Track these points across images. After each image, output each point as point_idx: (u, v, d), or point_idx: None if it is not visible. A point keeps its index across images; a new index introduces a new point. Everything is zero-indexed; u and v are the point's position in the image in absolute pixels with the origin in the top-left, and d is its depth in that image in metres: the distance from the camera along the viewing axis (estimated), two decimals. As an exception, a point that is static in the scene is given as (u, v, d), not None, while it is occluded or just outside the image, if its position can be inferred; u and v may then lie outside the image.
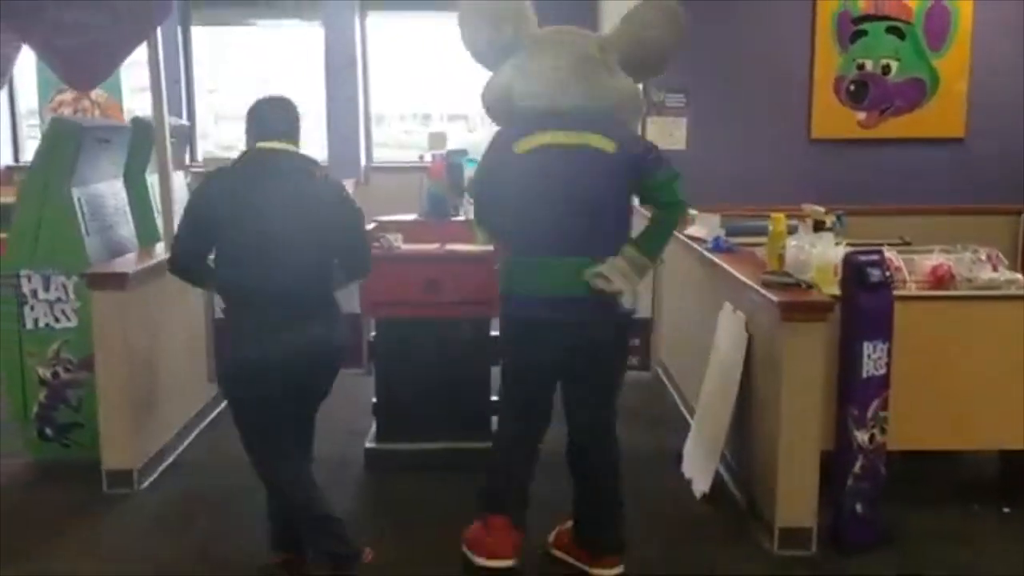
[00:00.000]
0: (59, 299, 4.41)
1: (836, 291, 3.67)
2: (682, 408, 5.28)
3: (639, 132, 3.68)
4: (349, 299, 4.66)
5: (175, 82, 9.60)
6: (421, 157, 5.51)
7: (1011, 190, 6.44)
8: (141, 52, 4.66)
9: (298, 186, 3.18)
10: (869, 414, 3.55)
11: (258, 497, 3.96)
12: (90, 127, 4.70)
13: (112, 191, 4.87)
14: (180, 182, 5.71)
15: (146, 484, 4.28)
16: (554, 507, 3.70)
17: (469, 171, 4.82)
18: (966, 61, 6.42)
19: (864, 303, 3.52)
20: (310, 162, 3.32)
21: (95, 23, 4.35)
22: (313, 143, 10.32)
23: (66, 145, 4.41)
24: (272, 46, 10.64)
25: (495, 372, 4.62)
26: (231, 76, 10.53)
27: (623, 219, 3.40)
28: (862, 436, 3.56)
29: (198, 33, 10.54)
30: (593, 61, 3.32)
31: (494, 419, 4.67)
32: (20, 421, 4.52)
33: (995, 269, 4.05)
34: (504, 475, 3.51)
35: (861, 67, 6.47)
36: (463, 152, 4.95)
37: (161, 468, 4.45)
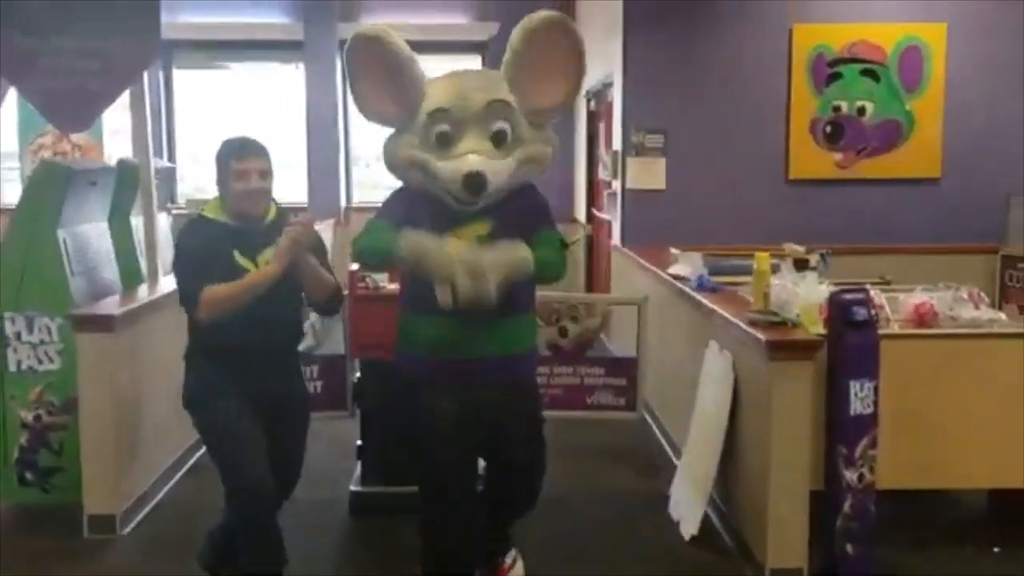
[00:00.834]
0: (43, 341, 4.36)
1: (821, 330, 3.70)
2: (668, 449, 5.28)
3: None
4: (334, 341, 4.67)
5: (156, 124, 9.63)
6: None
7: (987, 229, 6.55)
8: (122, 97, 4.70)
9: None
10: (858, 453, 3.57)
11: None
12: (79, 169, 4.69)
13: (97, 232, 4.85)
14: (163, 224, 5.70)
15: (128, 529, 4.22)
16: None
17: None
18: (940, 102, 6.55)
19: (850, 342, 3.55)
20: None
21: (86, 69, 4.40)
22: (293, 184, 10.37)
23: (54, 187, 4.41)
24: (252, 88, 10.69)
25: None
26: (211, 118, 10.55)
27: None
28: (851, 475, 3.57)
29: (179, 76, 10.59)
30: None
31: (480, 461, 4.68)
32: None
33: (977, 307, 4.10)
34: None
35: (837, 109, 6.57)
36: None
37: (144, 512, 4.40)
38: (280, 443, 3.38)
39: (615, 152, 7.07)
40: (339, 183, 10.32)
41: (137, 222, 5.11)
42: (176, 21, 8.77)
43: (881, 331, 3.69)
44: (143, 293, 4.75)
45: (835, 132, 6.61)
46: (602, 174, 8.27)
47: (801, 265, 4.64)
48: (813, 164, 6.63)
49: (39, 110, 4.58)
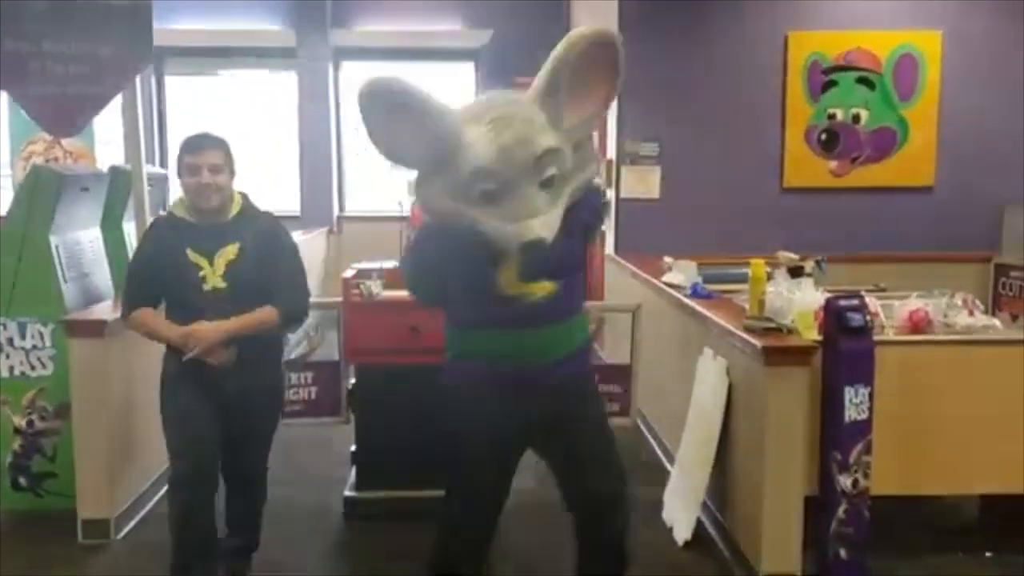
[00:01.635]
0: (35, 347, 4.35)
1: (817, 336, 3.70)
2: (661, 455, 5.28)
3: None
4: (329, 346, 4.66)
5: (148, 130, 9.63)
6: (400, 204, 5.52)
7: (980, 237, 6.58)
8: (114, 103, 4.70)
9: None
10: (852, 459, 3.57)
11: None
12: (71, 175, 4.68)
13: (89, 238, 4.85)
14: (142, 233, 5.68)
15: (123, 534, 4.21)
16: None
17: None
18: (934, 110, 6.58)
19: (846, 348, 3.55)
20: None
21: (77, 74, 4.40)
22: (286, 192, 10.37)
23: (46, 193, 4.40)
24: (244, 96, 10.68)
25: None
26: (203, 126, 10.55)
27: None
28: (845, 481, 3.58)
29: (171, 83, 10.58)
30: None
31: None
32: (-8, 472, 4.44)
33: (971, 314, 4.12)
34: None
35: (832, 117, 6.60)
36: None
37: (138, 517, 4.38)
38: (242, 433, 3.46)
39: (609, 161, 7.08)
40: (332, 191, 10.32)
41: (129, 228, 5.10)
42: (168, 27, 8.77)
43: (876, 337, 3.69)
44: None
45: (830, 140, 6.64)
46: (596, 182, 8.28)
47: (796, 272, 4.64)
48: (808, 172, 6.66)
49: (30, 115, 4.57)
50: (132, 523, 4.32)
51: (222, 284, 3.30)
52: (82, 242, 4.74)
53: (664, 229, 6.57)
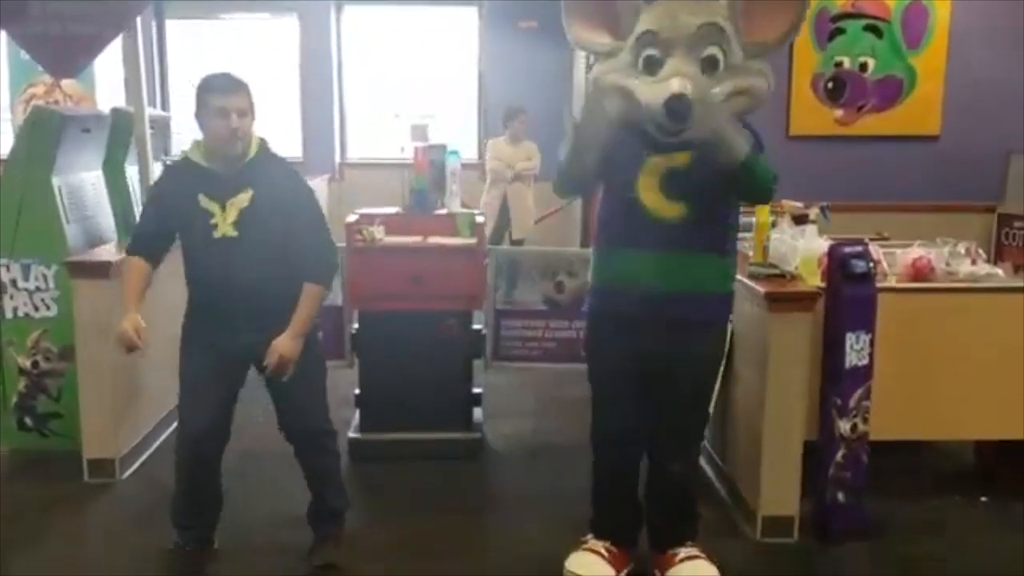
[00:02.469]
0: (39, 288, 4.36)
1: (820, 283, 3.71)
2: (662, 401, 5.31)
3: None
4: (332, 292, 4.67)
5: (149, 74, 9.55)
6: (402, 149, 5.50)
7: (984, 187, 6.54)
8: (115, 47, 4.66)
9: None
10: (852, 404, 3.59)
11: (239, 484, 3.98)
12: (72, 116, 4.65)
13: (92, 180, 4.83)
14: (159, 173, 5.66)
15: (128, 473, 4.26)
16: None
17: (452, 165, 4.84)
18: (942, 60, 6.51)
19: (848, 294, 3.56)
20: None
21: (79, 14, 4.36)
22: (288, 139, 10.32)
23: (47, 134, 4.38)
24: (246, 41, 10.59)
25: (477, 364, 4.67)
26: (204, 71, 10.48)
27: None
28: (844, 426, 3.61)
29: (172, 27, 10.47)
30: None
31: (476, 410, 4.72)
32: (-1, 411, 4.47)
33: (974, 262, 4.11)
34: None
35: (839, 65, 6.53)
36: (443, 147, 4.94)
37: (143, 457, 4.43)
38: (280, 393, 3.38)
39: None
40: (334, 138, 10.27)
41: (132, 171, 5.08)
42: (170, -31, 8.69)
43: (878, 284, 3.70)
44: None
45: (836, 88, 6.57)
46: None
47: (800, 220, 4.63)
48: (814, 120, 6.60)
49: (30, 55, 4.54)
50: (137, 463, 4.37)
51: (233, 232, 3.18)
52: (85, 184, 4.73)
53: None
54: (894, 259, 4.15)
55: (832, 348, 3.59)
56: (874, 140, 6.61)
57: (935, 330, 3.82)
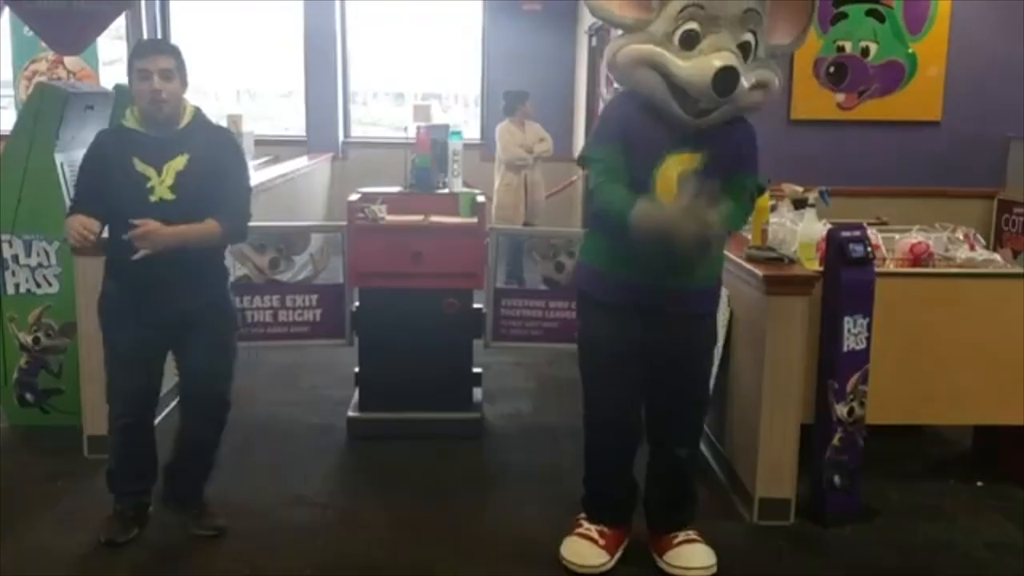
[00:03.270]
0: (41, 264, 4.38)
1: (818, 267, 3.72)
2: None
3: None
4: (333, 270, 4.69)
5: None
6: (405, 129, 5.52)
7: (985, 174, 6.54)
8: (119, 23, 4.67)
9: None
10: (849, 388, 3.61)
11: (239, 462, 4.01)
12: (76, 93, 4.66)
13: (94, 158, 4.83)
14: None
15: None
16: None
17: (455, 145, 4.85)
18: (944, 45, 6.49)
19: (846, 278, 3.57)
20: None
21: (82, -10, 4.37)
22: (292, 117, 10.32)
23: (51, 110, 4.39)
24: (250, 20, 10.58)
25: (477, 344, 4.68)
26: (208, 50, 10.47)
27: None
28: (841, 409, 3.63)
29: (176, 6, 10.46)
30: None
31: (476, 390, 4.75)
32: (0, 387, 4.49)
33: (972, 248, 4.13)
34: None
35: (840, 49, 6.52)
36: (446, 127, 4.96)
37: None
38: (191, 356, 3.41)
39: (616, 90, 7.01)
40: (337, 117, 10.27)
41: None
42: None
43: (876, 269, 3.71)
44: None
45: (838, 72, 6.56)
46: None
47: (800, 204, 4.64)
48: (815, 105, 6.59)
49: (34, 31, 4.56)
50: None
51: (170, 196, 3.18)
52: (87, 161, 4.74)
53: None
54: (893, 244, 4.16)
55: (829, 332, 3.61)
56: (875, 125, 6.61)
57: (933, 315, 3.84)
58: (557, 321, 4.67)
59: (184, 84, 3.29)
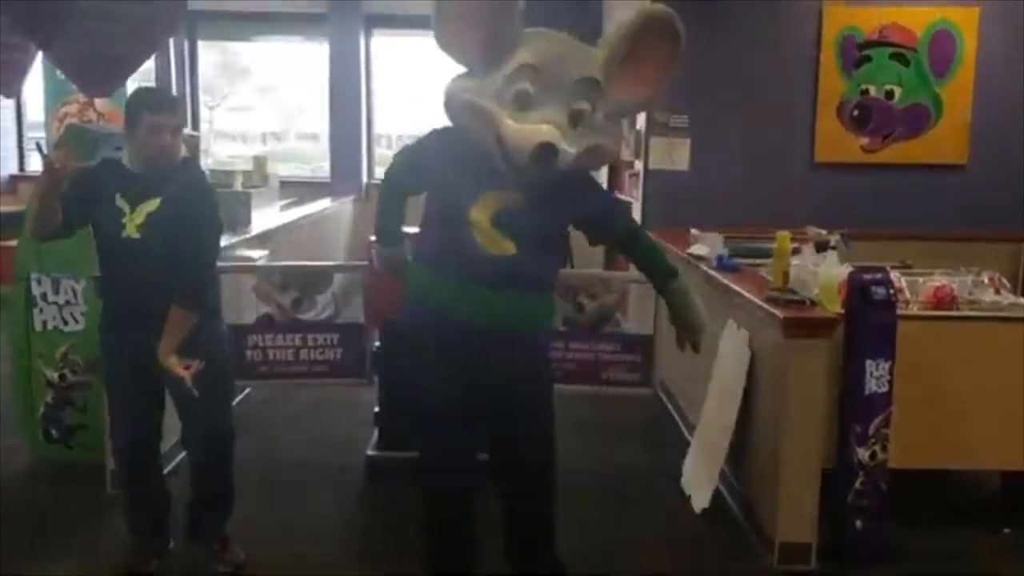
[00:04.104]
0: (68, 302, 4.44)
1: (839, 310, 3.71)
2: (681, 425, 5.31)
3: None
4: (353, 309, 4.71)
5: (180, 95, 9.68)
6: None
7: (1013, 217, 6.49)
8: (146, 67, 4.75)
9: None
10: (871, 431, 3.59)
11: (258, 500, 4.01)
12: (106, 134, 4.73)
13: (122, 197, 4.91)
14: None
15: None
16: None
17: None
18: (969, 88, 6.49)
19: (868, 321, 3.56)
20: None
21: (112, 34, 4.44)
22: (316, 159, 10.42)
23: (81, 151, 4.44)
24: (276, 63, 10.75)
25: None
26: (233, 93, 10.66)
27: None
28: (863, 453, 3.60)
29: (203, 49, 10.64)
30: None
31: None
32: (26, 422, 4.53)
33: (997, 292, 4.10)
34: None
35: (865, 92, 6.53)
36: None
37: (164, 471, 4.46)
38: (183, 404, 3.42)
39: (638, 132, 7.06)
40: (361, 159, 10.37)
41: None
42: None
43: (899, 312, 3.69)
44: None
45: (863, 116, 6.57)
46: (625, 154, 8.26)
47: (822, 248, 4.63)
48: (839, 148, 6.60)
49: (66, 74, 4.64)
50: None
51: (136, 234, 3.24)
52: (115, 201, 4.81)
53: (693, 202, 6.54)
54: (916, 287, 4.14)
55: (851, 375, 3.59)
56: (901, 168, 6.60)
57: (957, 359, 3.81)
58: (576, 363, 4.65)
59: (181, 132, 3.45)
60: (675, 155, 6.69)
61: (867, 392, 3.56)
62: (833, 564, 3.66)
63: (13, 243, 4.66)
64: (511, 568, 3.24)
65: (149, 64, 4.77)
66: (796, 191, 6.56)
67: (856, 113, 6.56)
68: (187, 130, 7.30)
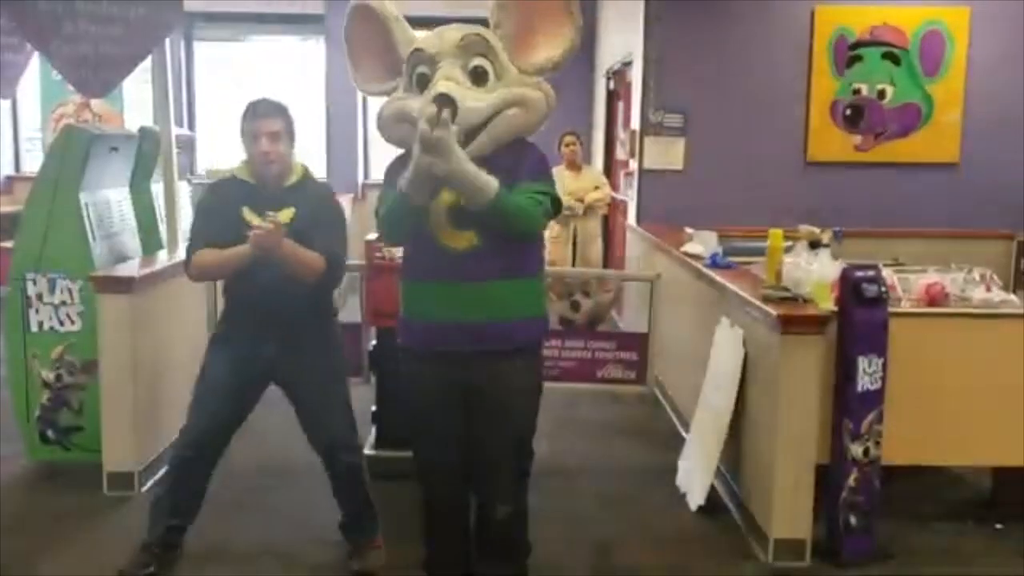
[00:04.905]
0: (64, 303, 4.44)
1: (832, 307, 3.73)
2: (676, 422, 5.33)
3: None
4: (351, 309, 4.73)
5: (177, 95, 9.70)
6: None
7: (1004, 215, 6.54)
8: (144, 67, 4.77)
9: None
10: (864, 428, 3.61)
11: (259, 500, 4.03)
12: (101, 135, 4.75)
13: (118, 198, 4.92)
14: (184, 193, 5.77)
15: (147, 486, 4.31)
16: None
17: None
18: (960, 87, 6.54)
19: (860, 318, 3.59)
20: None
21: (108, 35, 4.46)
22: (312, 159, 10.41)
23: (76, 152, 4.48)
24: (273, 63, 10.75)
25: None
26: (230, 92, 10.65)
27: None
28: (857, 449, 3.62)
29: (200, 48, 10.65)
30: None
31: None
32: (22, 423, 4.54)
33: (988, 289, 4.12)
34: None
35: (857, 92, 6.58)
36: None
37: (162, 471, 4.46)
38: (304, 397, 3.50)
39: (633, 131, 7.09)
40: (357, 158, 10.38)
41: (157, 190, 5.18)
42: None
43: (891, 309, 3.72)
44: (163, 258, 4.82)
45: (855, 115, 6.61)
46: (620, 154, 8.29)
47: (815, 245, 4.66)
48: (832, 147, 6.64)
49: (61, 74, 4.64)
50: (156, 476, 4.40)
51: None
52: (111, 201, 4.82)
53: (687, 201, 6.58)
54: (908, 284, 4.17)
55: (844, 372, 3.61)
56: (893, 167, 6.64)
57: (949, 356, 3.84)
58: (573, 361, 4.69)
59: (292, 143, 3.45)
60: (669, 154, 6.72)
61: (860, 389, 3.59)
62: (827, 560, 3.68)
63: (9, 244, 4.68)
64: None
65: (146, 64, 4.75)
66: (789, 190, 6.60)
67: (848, 112, 6.60)
68: (182, 130, 7.32)
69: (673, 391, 5.58)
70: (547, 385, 4.73)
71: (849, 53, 6.53)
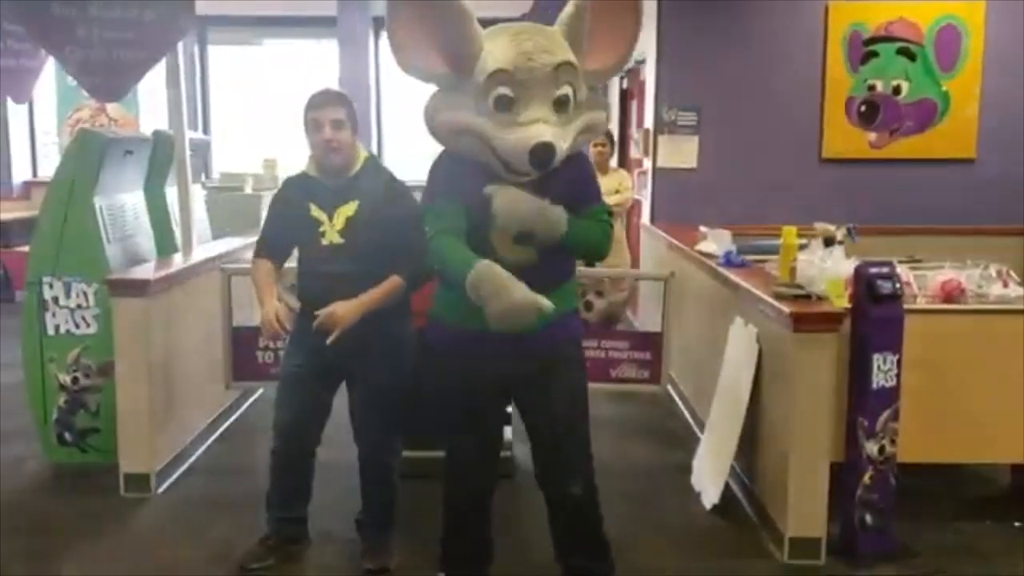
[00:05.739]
0: (80, 306, 4.47)
1: (847, 304, 3.71)
2: (691, 421, 5.32)
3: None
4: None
5: (191, 99, 9.75)
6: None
7: (1021, 211, 6.48)
8: (159, 72, 4.80)
9: None
10: (879, 425, 3.59)
11: (262, 499, 4.02)
12: (115, 138, 4.78)
13: (133, 201, 4.95)
14: (198, 196, 5.80)
15: (163, 488, 4.33)
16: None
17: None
18: (977, 83, 6.49)
19: (875, 315, 3.57)
20: None
21: (121, 39, 4.50)
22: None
23: (91, 155, 4.51)
24: (287, 65, 10.78)
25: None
26: (245, 95, 10.68)
27: None
28: (872, 447, 3.60)
29: (214, 52, 10.70)
30: None
31: (506, 429, 4.72)
32: (39, 426, 4.57)
33: (1005, 285, 4.10)
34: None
35: (872, 88, 6.54)
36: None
37: (179, 472, 4.50)
38: (363, 394, 3.56)
39: (646, 130, 7.07)
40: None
41: (172, 193, 5.20)
42: (212, -4, 8.84)
43: (906, 306, 3.69)
44: (178, 260, 4.84)
45: (870, 111, 6.57)
46: (633, 152, 8.27)
47: (829, 243, 4.64)
48: (847, 143, 6.60)
49: (75, 78, 4.68)
50: (172, 477, 4.44)
51: (339, 240, 3.36)
52: (126, 205, 4.85)
53: (701, 199, 6.56)
54: (924, 281, 4.14)
55: (859, 369, 3.59)
56: (909, 163, 6.60)
57: (965, 352, 3.81)
58: (587, 360, 4.65)
59: (355, 132, 3.45)
60: (683, 153, 6.70)
61: (875, 386, 3.57)
62: (843, 559, 3.67)
63: (26, 248, 4.71)
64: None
65: (161, 68, 4.77)
66: (804, 187, 6.57)
67: (863, 108, 6.56)
68: (196, 133, 7.36)
69: (687, 389, 5.57)
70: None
71: (864, 49, 6.49)
